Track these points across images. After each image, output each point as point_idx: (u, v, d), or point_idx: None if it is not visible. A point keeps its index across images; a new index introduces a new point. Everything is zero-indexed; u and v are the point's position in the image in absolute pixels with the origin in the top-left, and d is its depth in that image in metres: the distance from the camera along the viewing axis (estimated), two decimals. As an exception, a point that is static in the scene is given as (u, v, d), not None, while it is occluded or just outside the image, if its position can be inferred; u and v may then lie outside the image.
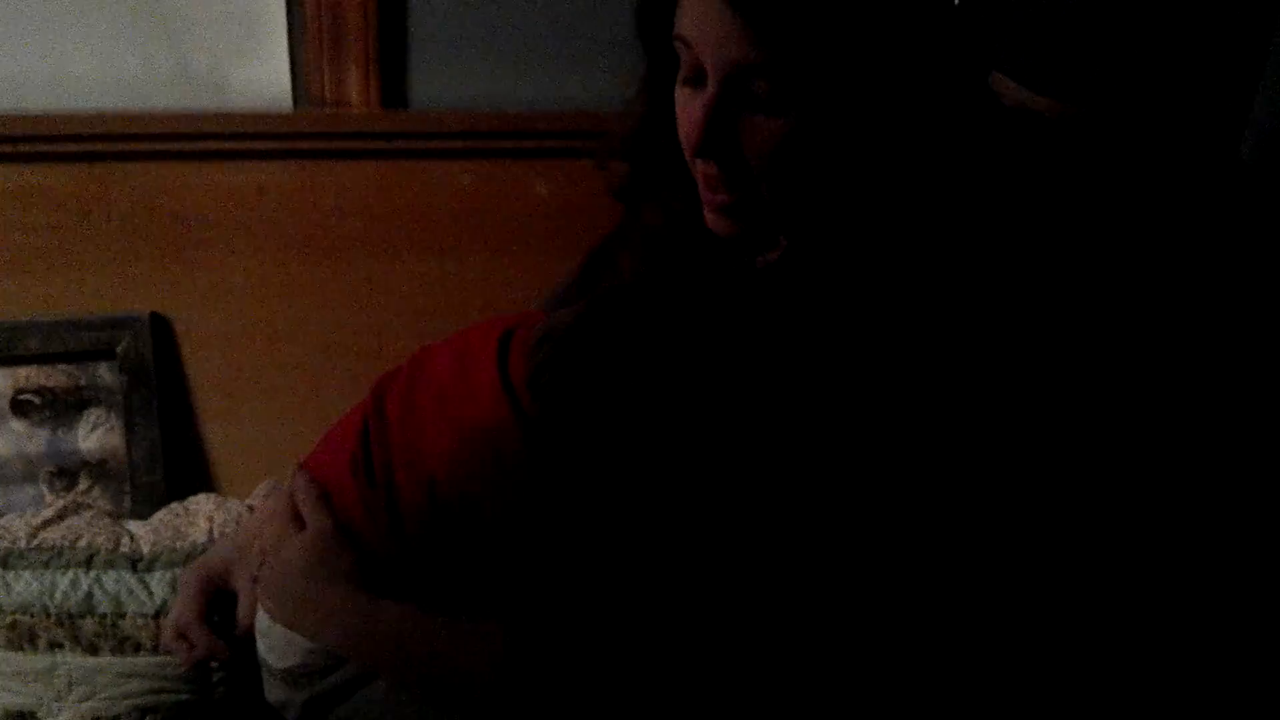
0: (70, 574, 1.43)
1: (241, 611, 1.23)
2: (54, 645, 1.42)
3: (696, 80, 0.94)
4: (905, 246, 0.95)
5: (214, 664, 1.28)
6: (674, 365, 0.99)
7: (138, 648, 1.43)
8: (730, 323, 1.00)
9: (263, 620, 1.17)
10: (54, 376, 1.62)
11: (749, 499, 0.94)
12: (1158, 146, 1.11)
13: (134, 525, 1.52)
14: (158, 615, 1.42)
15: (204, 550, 1.45)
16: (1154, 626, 1.02)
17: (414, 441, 1.10)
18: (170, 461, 1.65)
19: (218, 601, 1.25)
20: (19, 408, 1.61)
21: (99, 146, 1.57)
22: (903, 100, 0.92)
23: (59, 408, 1.62)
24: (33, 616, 1.41)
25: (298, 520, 1.15)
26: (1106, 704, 1.00)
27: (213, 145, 1.60)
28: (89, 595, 1.42)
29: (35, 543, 1.46)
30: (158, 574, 1.44)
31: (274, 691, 1.18)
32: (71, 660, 1.43)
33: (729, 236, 0.99)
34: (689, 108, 0.94)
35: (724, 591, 0.94)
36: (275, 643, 1.15)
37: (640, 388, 0.99)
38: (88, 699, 1.43)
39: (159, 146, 1.59)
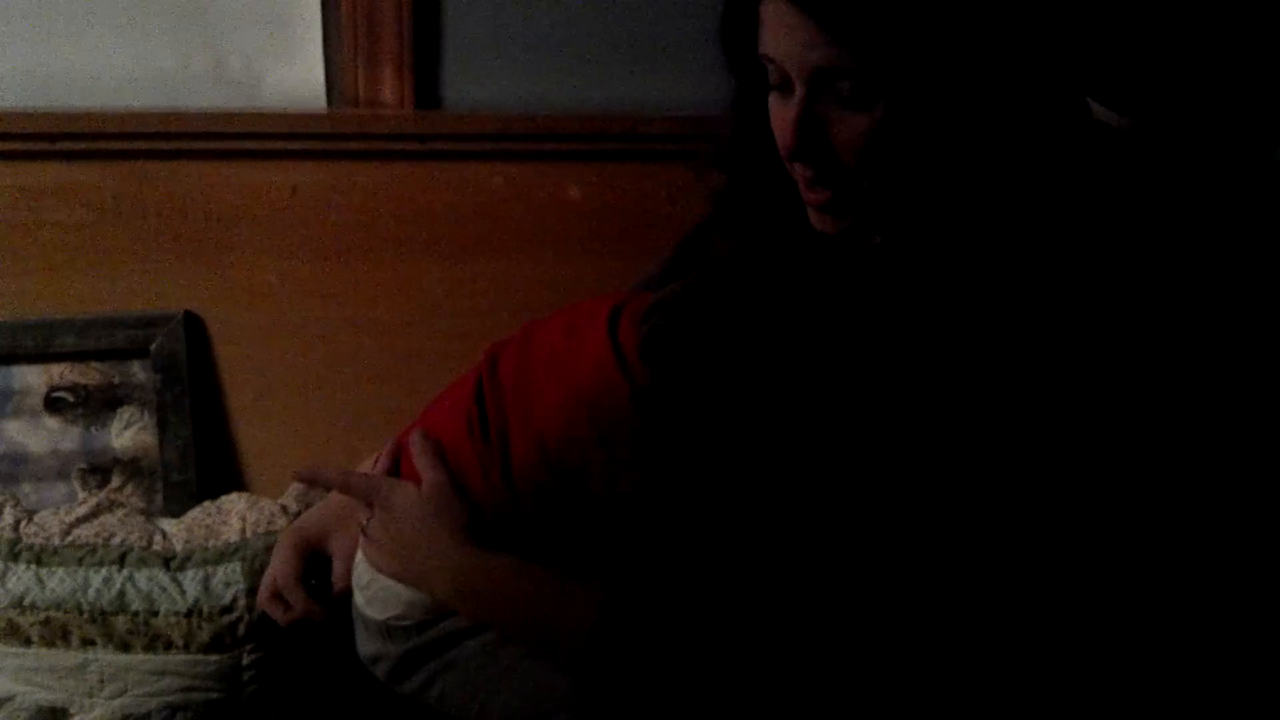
0: (103, 571, 1.44)
1: (336, 574, 1.26)
2: (86, 642, 1.43)
3: (784, 88, 0.97)
4: (997, 242, 0.97)
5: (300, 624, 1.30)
6: (775, 342, 1.02)
7: (169, 645, 1.43)
8: (829, 305, 1.03)
9: (363, 573, 1.20)
10: (88, 374, 1.62)
11: (834, 473, 0.97)
12: (1210, 155, 1.12)
13: (166, 524, 1.53)
14: (190, 614, 1.43)
15: (236, 550, 1.46)
16: (1158, 626, 1.02)
17: (527, 402, 1.13)
18: (202, 460, 1.66)
19: (313, 565, 1.28)
20: (53, 405, 1.62)
21: (134, 145, 1.58)
22: (984, 92, 0.94)
23: (92, 405, 1.63)
24: (66, 613, 1.42)
25: (412, 475, 1.18)
26: (1107, 703, 1.01)
27: (247, 145, 1.60)
28: (122, 593, 1.43)
29: (69, 540, 1.47)
30: (190, 572, 1.45)
31: (369, 645, 1.20)
32: (103, 657, 1.43)
33: (834, 234, 1.02)
34: (780, 114, 0.98)
35: (808, 564, 0.97)
36: (376, 594, 1.18)
37: (744, 360, 1.02)
38: (119, 696, 1.44)
39: (194, 145, 1.59)
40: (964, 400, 0.93)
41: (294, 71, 1.67)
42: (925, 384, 0.94)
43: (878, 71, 0.91)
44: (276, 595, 1.28)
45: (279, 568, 1.28)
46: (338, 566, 1.27)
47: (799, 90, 0.95)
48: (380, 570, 1.16)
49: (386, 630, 1.18)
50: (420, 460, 1.16)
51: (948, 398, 0.93)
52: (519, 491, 1.12)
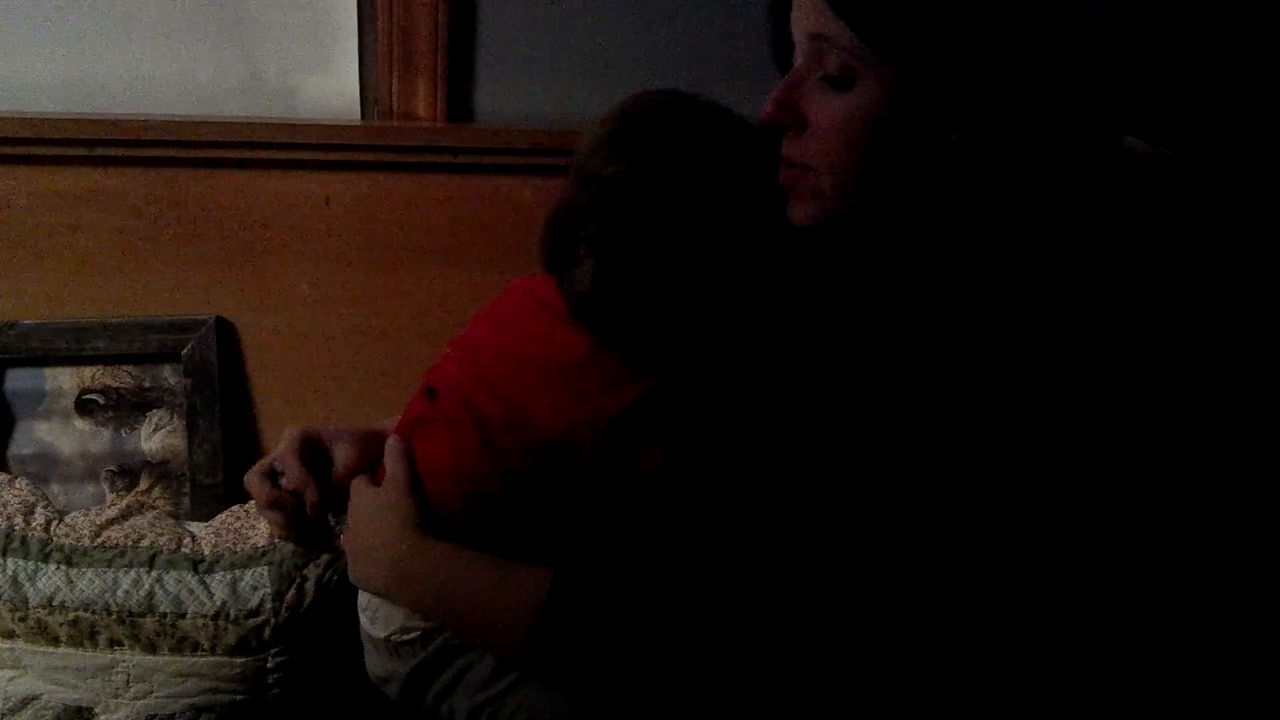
0: (132, 573, 1.45)
1: (338, 463, 1.25)
2: (114, 643, 1.44)
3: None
4: (967, 258, 0.96)
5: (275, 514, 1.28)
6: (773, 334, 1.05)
7: (196, 647, 1.44)
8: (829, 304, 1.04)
9: (364, 594, 1.20)
10: (119, 377, 1.64)
11: (828, 465, 0.97)
12: (1257, 188, 1.12)
13: (195, 526, 1.54)
14: (217, 616, 1.44)
15: (264, 553, 1.47)
16: (1154, 626, 1.01)
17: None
18: (231, 464, 1.67)
19: (316, 461, 1.26)
20: (84, 407, 1.64)
21: (170, 153, 1.59)
22: (967, 105, 0.92)
23: (123, 408, 1.64)
24: (94, 614, 1.43)
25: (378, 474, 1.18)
26: (1106, 703, 1.00)
27: (281, 155, 1.62)
28: (150, 594, 1.44)
29: (99, 541, 1.48)
30: (218, 575, 1.45)
31: (379, 665, 1.20)
32: (130, 658, 1.44)
33: (799, 225, 1.01)
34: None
35: (758, 556, 0.97)
36: (377, 612, 1.19)
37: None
38: (144, 696, 1.45)
39: (229, 154, 1.60)
40: (963, 399, 0.92)
41: (329, 83, 1.69)
42: (923, 380, 0.94)
43: (865, 50, 0.91)
44: (268, 474, 1.25)
45: (279, 446, 1.26)
46: (338, 459, 1.25)
47: (797, 58, 0.95)
48: (351, 578, 1.16)
49: (393, 648, 1.18)
50: (389, 459, 1.16)
51: (946, 395, 0.93)
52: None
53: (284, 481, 1.24)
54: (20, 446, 1.63)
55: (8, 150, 1.55)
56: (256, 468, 1.25)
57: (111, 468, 1.66)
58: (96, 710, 1.46)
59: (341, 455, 1.23)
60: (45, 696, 1.45)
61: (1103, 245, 0.98)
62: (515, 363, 1.13)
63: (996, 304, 0.95)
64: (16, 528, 1.47)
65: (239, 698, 1.46)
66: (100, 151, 1.58)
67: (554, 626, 1.00)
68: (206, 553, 1.48)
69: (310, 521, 1.24)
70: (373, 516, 1.13)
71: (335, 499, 1.25)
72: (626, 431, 1.07)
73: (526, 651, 1.01)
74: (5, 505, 1.49)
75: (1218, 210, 1.06)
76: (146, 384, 1.65)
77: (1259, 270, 1.05)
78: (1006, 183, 0.95)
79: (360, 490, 1.17)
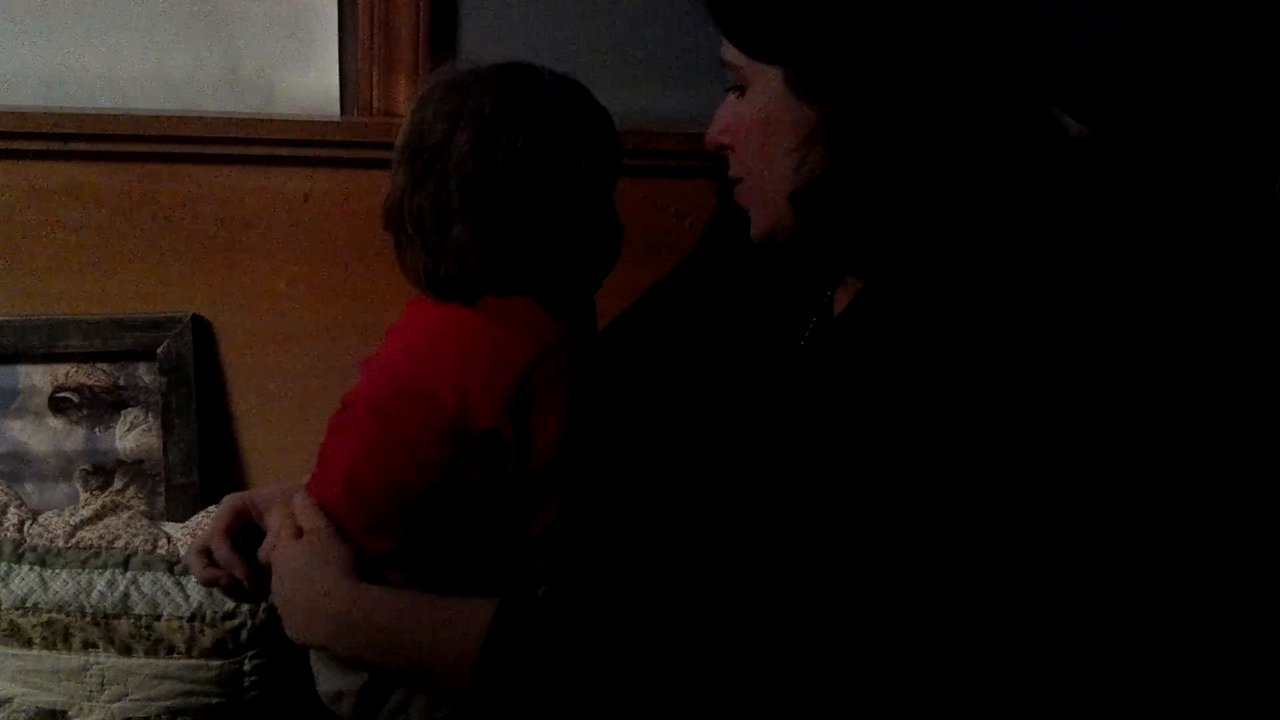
0: (107, 574, 1.44)
1: (265, 547, 1.20)
2: (88, 645, 1.43)
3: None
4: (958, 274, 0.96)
5: (235, 588, 1.23)
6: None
7: (171, 650, 1.43)
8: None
9: None
10: (94, 375, 1.62)
11: (769, 502, 0.97)
12: (1193, 178, 1.12)
13: (171, 528, 1.53)
14: (193, 618, 1.43)
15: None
16: (1156, 629, 1.02)
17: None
18: (206, 463, 1.66)
19: (250, 534, 1.22)
20: (57, 405, 1.62)
21: (146, 147, 1.57)
22: (837, 100, 0.94)
23: (97, 406, 1.63)
24: (69, 615, 1.42)
25: (298, 531, 1.14)
26: (1106, 705, 1.00)
27: (259, 150, 1.60)
28: (125, 596, 1.43)
29: (73, 542, 1.47)
30: (194, 577, 1.44)
31: (330, 682, 1.15)
32: (105, 660, 1.44)
33: (757, 241, 1.05)
34: None
35: (726, 586, 0.96)
36: None
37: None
38: (119, 699, 1.44)
39: (206, 149, 1.59)
40: (939, 409, 0.91)
41: (308, 78, 1.67)
42: (891, 395, 0.93)
43: (744, 57, 0.96)
44: (204, 550, 1.23)
45: (210, 527, 1.23)
46: (268, 540, 1.21)
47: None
48: (289, 635, 1.12)
49: (346, 660, 1.12)
50: (302, 516, 1.14)
51: (918, 408, 0.91)
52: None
53: (213, 570, 1.22)
54: (-8, 445, 1.61)
55: (-19, 144, 1.53)
56: (195, 544, 1.23)
57: (86, 467, 1.64)
58: (71, 713, 1.45)
59: (275, 523, 1.19)
60: (18, 699, 1.44)
61: (1030, 235, 0.97)
62: (412, 350, 1.14)
63: (935, 300, 0.96)
64: (-11, 528, 1.46)
65: (215, 700, 1.45)
66: (75, 146, 1.56)
67: (499, 662, 0.98)
68: (182, 554, 1.47)
69: (254, 590, 1.21)
70: (305, 569, 1.10)
71: (263, 575, 1.21)
72: (522, 394, 1.05)
73: (474, 689, 1.00)
74: (-23, 505, 1.48)
75: (1158, 197, 1.06)
76: (121, 382, 1.63)
77: (1215, 261, 1.05)
78: (909, 179, 0.96)
79: (285, 546, 1.14)
